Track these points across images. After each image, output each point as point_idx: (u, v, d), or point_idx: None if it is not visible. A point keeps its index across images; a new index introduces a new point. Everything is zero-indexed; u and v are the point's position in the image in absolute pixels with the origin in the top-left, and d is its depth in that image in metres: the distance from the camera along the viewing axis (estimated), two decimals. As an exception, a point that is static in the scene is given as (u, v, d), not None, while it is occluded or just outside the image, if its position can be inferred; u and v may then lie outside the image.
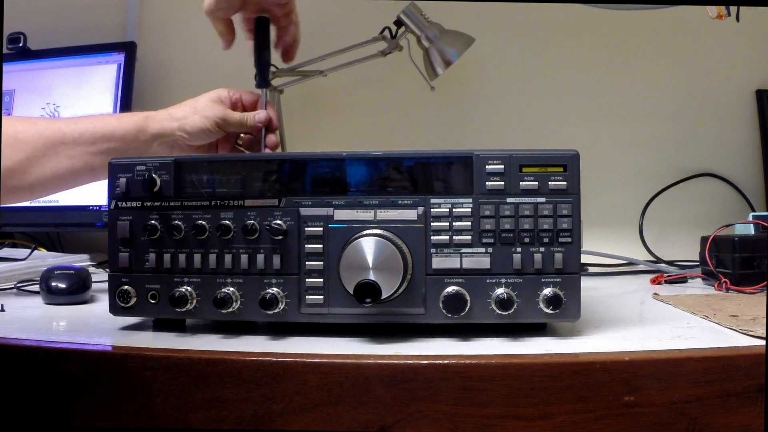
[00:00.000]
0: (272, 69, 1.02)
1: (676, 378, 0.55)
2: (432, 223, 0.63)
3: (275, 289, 0.63)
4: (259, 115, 0.83)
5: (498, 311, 0.61)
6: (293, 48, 0.89)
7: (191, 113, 0.81)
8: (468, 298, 0.62)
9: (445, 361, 0.56)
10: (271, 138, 0.84)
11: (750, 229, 1.00)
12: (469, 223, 0.63)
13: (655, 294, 0.89)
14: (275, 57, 0.90)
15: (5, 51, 1.38)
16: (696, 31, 1.36)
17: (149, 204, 0.66)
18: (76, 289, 0.87)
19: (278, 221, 0.64)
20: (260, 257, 0.64)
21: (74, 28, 1.47)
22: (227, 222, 0.64)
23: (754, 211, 1.29)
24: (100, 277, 0.88)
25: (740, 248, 0.93)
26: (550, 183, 0.62)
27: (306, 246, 0.63)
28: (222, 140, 0.85)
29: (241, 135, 0.86)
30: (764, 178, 1.37)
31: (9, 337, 0.65)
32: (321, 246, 0.63)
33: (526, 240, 0.62)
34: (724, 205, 1.37)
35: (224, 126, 0.82)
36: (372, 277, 0.60)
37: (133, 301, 0.66)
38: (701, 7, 1.09)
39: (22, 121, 0.79)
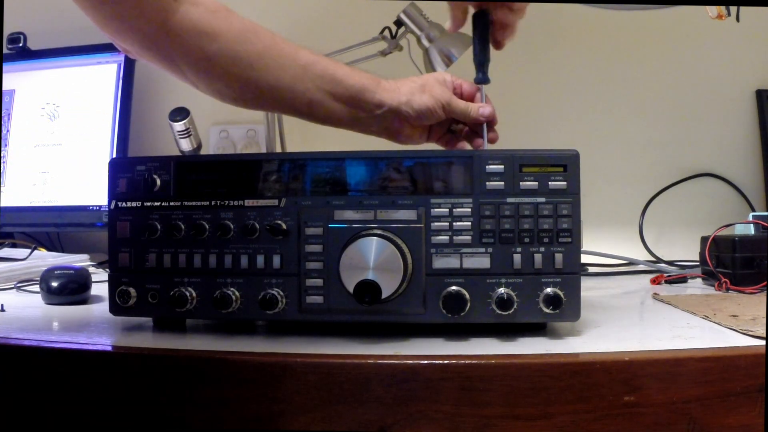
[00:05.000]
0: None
1: (676, 378, 0.55)
2: (432, 223, 0.63)
3: (275, 289, 0.63)
4: (483, 109, 0.81)
5: (498, 311, 0.61)
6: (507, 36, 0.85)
7: (419, 91, 0.80)
8: (468, 298, 0.61)
9: (445, 361, 0.56)
10: (493, 135, 0.83)
11: (750, 229, 1.00)
12: (469, 223, 0.63)
13: (655, 294, 0.89)
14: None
15: (5, 51, 1.38)
16: (696, 31, 1.36)
17: (149, 204, 0.66)
18: (76, 289, 0.87)
19: (278, 221, 0.64)
20: (260, 257, 0.64)
21: (74, 28, 1.46)
22: (227, 222, 0.64)
23: (754, 211, 1.29)
24: (100, 277, 0.88)
25: (740, 248, 0.93)
26: (550, 183, 0.62)
27: (306, 246, 0.63)
28: (436, 125, 0.83)
29: (453, 125, 0.85)
30: (764, 178, 1.37)
31: (9, 337, 0.65)
32: (321, 246, 0.63)
33: (526, 240, 0.62)
34: (724, 205, 1.37)
35: (448, 111, 0.80)
36: (372, 277, 0.60)
37: (133, 301, 0.66)
38: (701, 7, 1.09)
39: (261, 26, 0.77)
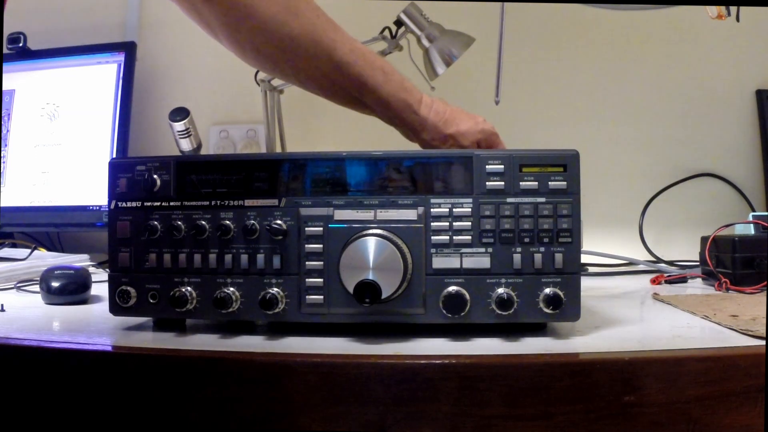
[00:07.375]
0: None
1: (676, 378, 0.55)
2: (432, 223, 0.63)
3: (275, 289, 0.63)
4: None
5: (498, 311, 0.61)
6: None
7: (455, 135, 0.79)
8: (468, 298, 0.61)
9: (445, 361, 0.56)
10: None
11: (750, 229, 1.00)
12: (469, 223, 0.63)
13: (655, 294, 0.89)
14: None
15: (5, 51, 1.38)
16: (696, 31, 1.37)
17: (149, 204, 0.66)
18: (76, 289, 0.87)
19: (278, 221, 0.64)
20: (260, 257, 0.64)
21: (74, 28, 1.47)
22: (227, 222, 0.64)
23: (754, 211, 1.29)
24: (100, 277, 0.88)
25: (740, 248, 0.93)
26: (550, 183, 0.62)
27: (306, 246, 0.63)
28: None
29: None
30: (764, 178, 1.37)
31: (9, 336, 0.65)
32: (321, 246, 0.63)
33: (526, 240, 0.62)
34: (724, 205, 1.37)
35: None
36: (372, 276, 0.60)
37: (133, 301, 0.66)
38: (701, 7, 1.10)
39: (308, 5, 0.73)
